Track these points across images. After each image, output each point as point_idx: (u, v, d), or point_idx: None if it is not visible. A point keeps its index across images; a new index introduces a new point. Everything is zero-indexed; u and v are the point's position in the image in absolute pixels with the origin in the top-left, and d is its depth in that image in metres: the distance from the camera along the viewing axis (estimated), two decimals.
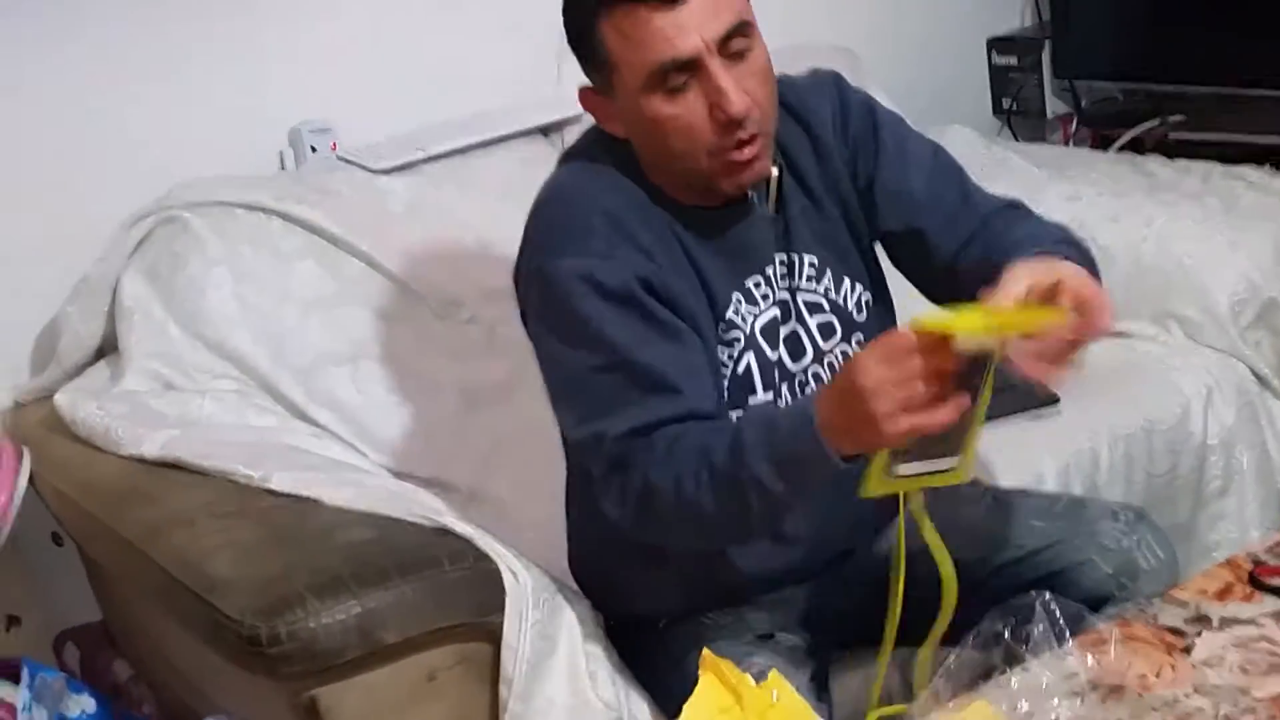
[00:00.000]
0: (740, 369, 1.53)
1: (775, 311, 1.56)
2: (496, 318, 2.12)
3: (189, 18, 2.13)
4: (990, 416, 2.00)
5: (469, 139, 2.26)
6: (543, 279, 1.48)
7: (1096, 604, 1.51)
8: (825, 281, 1.58)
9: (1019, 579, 1.55)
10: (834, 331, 1.58)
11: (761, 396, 1.54)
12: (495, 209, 2.20)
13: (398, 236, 2.13)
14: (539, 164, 2.26)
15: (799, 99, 1.58)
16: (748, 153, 1.45)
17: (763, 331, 1.55)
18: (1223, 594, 1.44)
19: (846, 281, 1.59)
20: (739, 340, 1.53)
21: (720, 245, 1.52)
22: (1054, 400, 2.10)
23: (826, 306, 1.58)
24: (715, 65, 1.41)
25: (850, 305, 1.59)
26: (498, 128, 2.29)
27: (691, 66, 1.41)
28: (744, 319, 1.54)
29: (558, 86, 2.44)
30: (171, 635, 1.79)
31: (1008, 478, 1.90)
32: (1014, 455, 1.97)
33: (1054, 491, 1.91)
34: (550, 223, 1.51)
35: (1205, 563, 2.09)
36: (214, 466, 1.73)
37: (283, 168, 2.25)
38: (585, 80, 1.51)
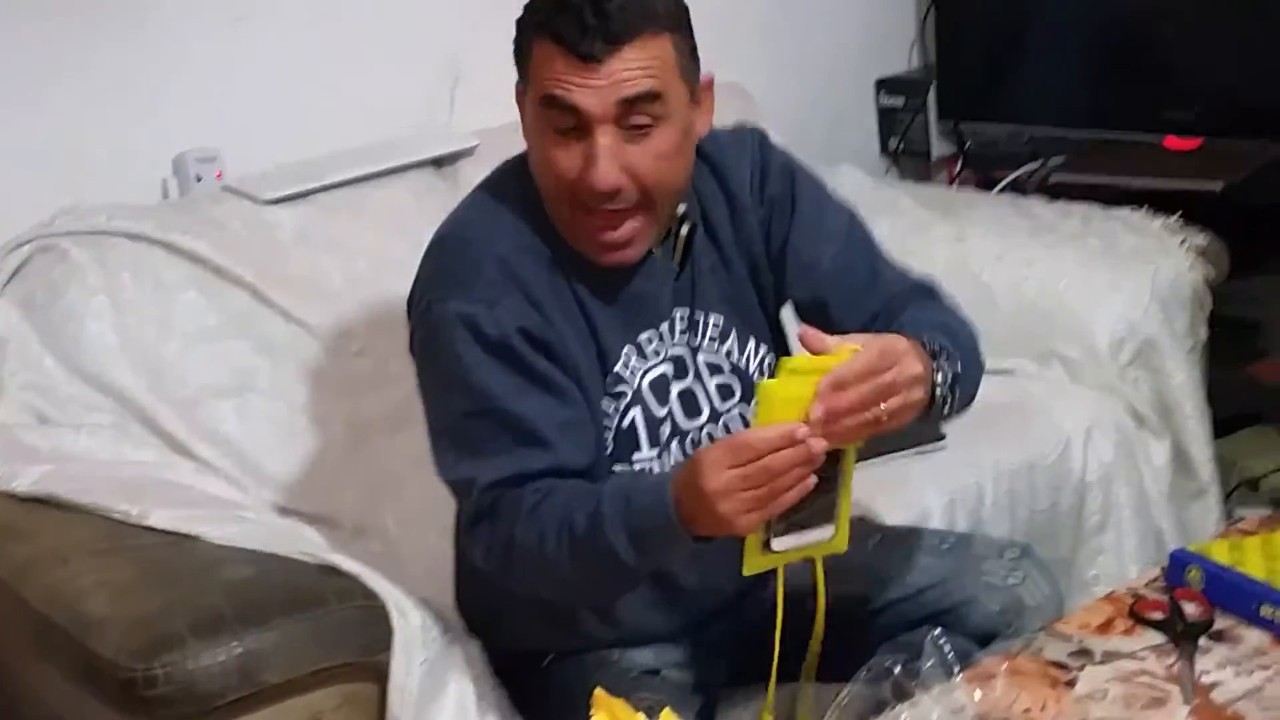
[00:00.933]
0: (625, 423, 1.53)
1: (667, 368, 1.55)
2: (388, 350, 2.08)
3: (68, 37, 2.08)
4: (877, 454, 2.06)
5: (360, 170, 2.23)
6: (428, 318, 1.48)
7: (984, 640, 1.53)
8: (729, 343, 1.58)
9: (907, 617, 1.57)
10: (733, 393, 1.59)
11: (647, 452, 1.54)
12: (386, 241, 2.18)
13: (285, 268, 2.10)
14: (431, 196, 2.26)
15: (719, 153, 1.58)
16: (616, 236, 1.45)
17: (651, 386, 1.54)
18: (1105, 628, 1.47)
19: (751, 342, 1.59)
20: (625, 394, 1.53)
21: (615, 296, 1.52)
22: (939, 437, 2.13)
23: (727, 369, 1.58)
24: (601, 133, 1.40)
25: (751, 367, 1.59)
26: (389, 159, 2.26)
27: (581, 119, 1.40)
28: (633, 373, 1.53)
29: (451, 118, 2.43)
30: (45, 678, 1.73)
31: (894, 514, 1.92)
32: (900, 492, 1.99)
33: (942, 529, 1.93)
34: (443, 261, 1.51)
35: (1085, 596, 2.13)
36: (90, 503, 1.68)
37: (166, 197, 2.20)
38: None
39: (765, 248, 1.59)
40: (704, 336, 1.57)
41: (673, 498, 1.34)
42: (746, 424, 1.57)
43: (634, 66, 1.40)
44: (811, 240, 1.58)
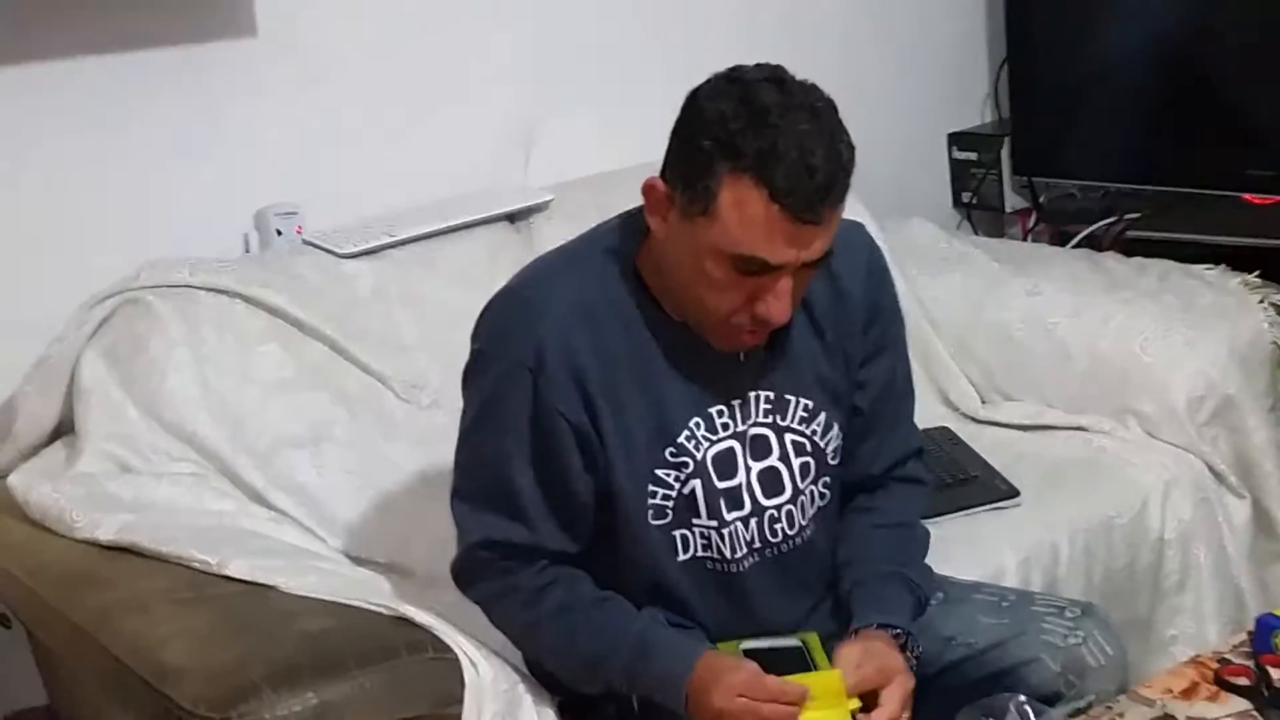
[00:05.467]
0: (686, 491, 1.54)
1: (732, 444, 1.55)
2: (461, 403, 2.11)
3: (156, 100, 2.13)
4: (952, 509, 2.05)
5: (436, 224, 2.26)
6: (477, 363, 1.53)
7: (1046, 702, 1.50)
8: (815, 425, 1.58)
9: (967, 678, 1.56)
10: (809, 472, 1.59)
11: (706, 520, 1.55)
12: (460, 296, 2.19)
13: (362, 320, 2.13)
14: (505, 250, 2.28)
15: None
16: (758, 340, 1.48)
17: (715, 459, 1.54)
18: (1188, 693, 1.44)
19: (835, 427, 1.60)
20: (688, 465, 1.53)
21: (693, 368, 1.52)
22: (1014, 494, 2.11)
23: (809, 449, 1.58)
24: (786, 279, 1.40)
25: (829, 449, 1.60)
26: (464, 214, 2.29)
27: (771, 267, 1.39)
28: (697, 445, 1.53)
29: (525, 175, 2.46)
30: None
31: (968, 571, 1.89)
32: (975, 548, 1.98)
33: (1003, 586, 1.90)
34: (501, 316, 1.53)
35: (1163, 656, 2.09)
36: (170, 552, 1.71)
37: (248, 250, 2.24)
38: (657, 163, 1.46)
39: (860, 337, 1.60)
40: (793, 418, 1.57)
41: (689, 681, 1.45)
42: (796, 518, 1.61)
43: (831, 227, 1.39)
44: (882, 369, 1.63)
